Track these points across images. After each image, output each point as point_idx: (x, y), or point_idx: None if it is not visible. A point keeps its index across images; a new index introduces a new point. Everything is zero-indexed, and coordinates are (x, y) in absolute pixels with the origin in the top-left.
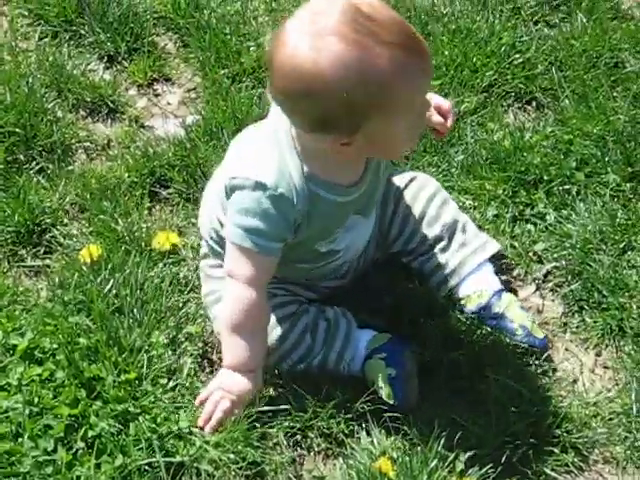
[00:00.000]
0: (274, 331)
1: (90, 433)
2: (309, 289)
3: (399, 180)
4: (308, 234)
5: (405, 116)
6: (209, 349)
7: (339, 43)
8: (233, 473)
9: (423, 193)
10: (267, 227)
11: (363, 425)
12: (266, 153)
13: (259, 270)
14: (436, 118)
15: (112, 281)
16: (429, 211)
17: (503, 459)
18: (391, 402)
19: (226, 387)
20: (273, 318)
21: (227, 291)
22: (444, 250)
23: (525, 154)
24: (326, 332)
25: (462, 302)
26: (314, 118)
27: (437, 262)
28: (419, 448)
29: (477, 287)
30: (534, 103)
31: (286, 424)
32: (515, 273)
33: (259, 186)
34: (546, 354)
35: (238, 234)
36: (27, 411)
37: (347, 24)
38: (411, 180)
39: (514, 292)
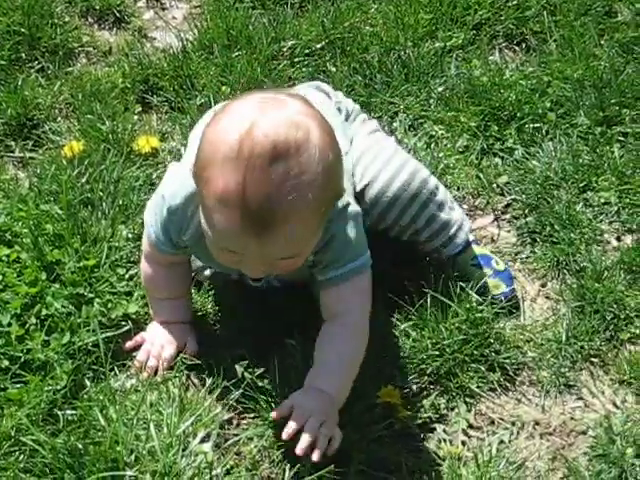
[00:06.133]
0: None
1: (44, 312)
2: None
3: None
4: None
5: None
6: None
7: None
8: None
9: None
10: (155, 229)
11: None
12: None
13: (155, 253)
14: None
15: (87, 175)
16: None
17: (429, 370)
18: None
19: (157, 340)
20: None
21: None
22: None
23: (502, 91)
24: None
25: None
26: None
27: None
28: None
29: None
30: (523, 45)
31: None
32: (477, 202)
33: (162, 197)
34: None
35: (145, 220)
36: None
37: None
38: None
39: (472, 219)
